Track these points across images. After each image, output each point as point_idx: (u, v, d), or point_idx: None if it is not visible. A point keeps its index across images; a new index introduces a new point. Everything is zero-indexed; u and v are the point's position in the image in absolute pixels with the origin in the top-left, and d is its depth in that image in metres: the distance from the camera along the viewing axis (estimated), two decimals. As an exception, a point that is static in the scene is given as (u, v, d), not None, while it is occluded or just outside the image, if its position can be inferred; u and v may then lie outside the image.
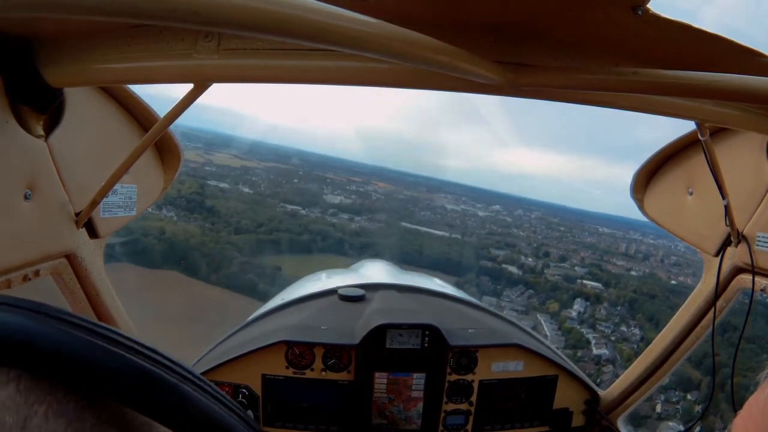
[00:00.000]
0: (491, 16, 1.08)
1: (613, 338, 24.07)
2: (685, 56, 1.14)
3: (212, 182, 39.84)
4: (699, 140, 1.65)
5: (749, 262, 1.87)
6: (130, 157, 1.55)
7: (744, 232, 1.89)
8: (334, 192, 45.56)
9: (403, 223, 43.56)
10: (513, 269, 34.26)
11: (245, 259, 29.21)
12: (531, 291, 31.31)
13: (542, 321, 26.81)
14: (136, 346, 0.35)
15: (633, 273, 31.11)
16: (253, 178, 45.12)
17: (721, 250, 2.00)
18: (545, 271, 33.60)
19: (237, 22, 0.70)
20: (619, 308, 26.86)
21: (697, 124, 1.56)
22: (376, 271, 3.46)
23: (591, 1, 0.94)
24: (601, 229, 39.26)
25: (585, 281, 30.64)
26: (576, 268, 33.43)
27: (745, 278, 1.96)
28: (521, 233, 41.15)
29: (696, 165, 2.01)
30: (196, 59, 1.19)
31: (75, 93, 1.53)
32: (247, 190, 41.83)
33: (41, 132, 1.41)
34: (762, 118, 1.39)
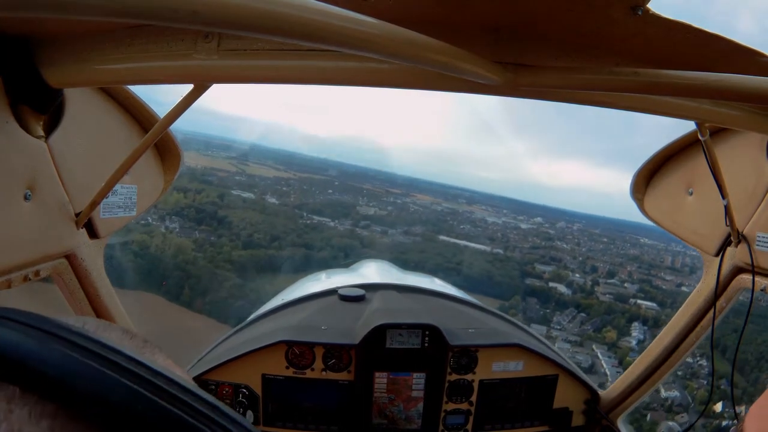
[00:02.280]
0: (491, 16, 1.08)
1: (679, 373, 19.26)
2: (685, 56, 1.13)
3: (236, 192, 37.53)
4: (699, 140, 1.65)
5: (749, 262, 1.87)
6: (130, 157, 1.55)
7: (744, 232, 1.89)
8: (369, 203, 43.71)
9: (442, 237, 41.15)
10: (562, 288, 31.49)
11: (240, 282, 25.31)
12: (583, 314, 28.27)
13: (599, 354, 23.03)
14: (153, 378, 0.34)
15: (684, 289, 28.17)
16: (284, 188, 43.48)
17: (721, 250, 2.00)
18: (595, 289, 30.97)
19: (237, 22, 0.70)
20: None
21: (697, 124, 1.56)
22: (376, 271, 3.47)
23: (591, 2, 0.94)
24: (642, 240, 37.84)
25: (639, 300, 28.22)
26: (626, 284, 31.08)
27: (746, 278, 1.96)
28: (565, 246, 39.63)
29: (696, 165, 2.01)
30: (196, 59, 1.19)
31: (75, 93, 1.53)
32: (273, 200, 39.83)
33: (41, 132, 1.41)
34: (762, 118, 1.39)
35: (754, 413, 0.65)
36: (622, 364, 21.14)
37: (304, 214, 39.50)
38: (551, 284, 32.50)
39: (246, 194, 38.59)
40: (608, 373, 20.97)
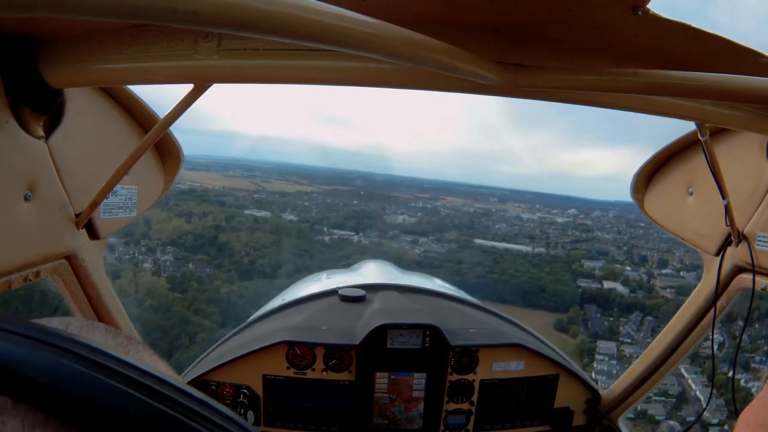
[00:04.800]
0: (491, 16, 1.08)
1: (772, 380, 16.25)
2: (686, 56, 1.14)
3: (249, 211, 34.56)
4: (699, 140, 1.65)
5: (750, 261, 1.88)
6: (130, 157, 1.55)
7: (744, 232, 1.89)
8: (397, 212, 41.21)
9: (478, 240, 38.17)
10: (619, 288, 28.73)
11: (222, 332, 18.95)
12: (650, 318, 24.98)
13: (683, 372, 18.35)
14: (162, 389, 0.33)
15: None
16: (305, 204, 40.92)
17: (721, 250, 2.00)
18: (653, 283, 28.31)
19: (237, 22, 0.70)
20: (758, 326, 18.68)
21: (697, 124, 1.56)
22: (376, 272, 3.46)
23: (591, 2, 0.94)
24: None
25: (703, 292, 26.32)
26: (682, 273, 28.67)
27: (746, 278, 1.96)
28: (606, 236, 37.66)
29: (696, 165, 2.01)
30: (196, 59, 1.19)
31: (75, 93, 1.53)
32: (291, 217, 37.04)
33: (41, 133, 1.41)
34: (762, 118, 1.39)
35: (745, 418, 0.65)
36: (714, 382, 14.96)
37: (325, 230, 36.85)
38: (606, 284, 29.94)
39: (261, 213, 36.02)
40: (701, 396, 14.97)
